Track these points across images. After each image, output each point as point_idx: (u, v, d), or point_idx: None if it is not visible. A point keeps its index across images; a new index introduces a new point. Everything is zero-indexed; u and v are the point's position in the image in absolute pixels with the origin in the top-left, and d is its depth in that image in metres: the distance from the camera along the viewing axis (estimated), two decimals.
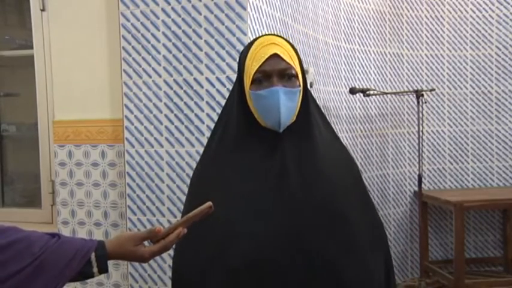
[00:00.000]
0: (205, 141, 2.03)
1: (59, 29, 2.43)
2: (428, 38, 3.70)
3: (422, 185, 3.25)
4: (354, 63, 3.36)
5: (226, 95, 1.87)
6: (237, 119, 1.24)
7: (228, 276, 1.15)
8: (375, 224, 1.30)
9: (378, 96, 3.43)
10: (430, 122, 3.69)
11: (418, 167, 3.12)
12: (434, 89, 3.36)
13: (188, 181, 1.73)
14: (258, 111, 1.21)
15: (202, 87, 2.11)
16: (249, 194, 1.19)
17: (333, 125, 1.42)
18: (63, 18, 2.42)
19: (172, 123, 2.17)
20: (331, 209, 1.19)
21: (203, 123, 2.12)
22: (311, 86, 2.62)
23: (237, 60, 1.35)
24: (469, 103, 3.74)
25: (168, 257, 2.14)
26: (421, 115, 3.10)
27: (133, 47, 2.21)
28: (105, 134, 2.36)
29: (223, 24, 2.06)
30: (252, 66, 1.20)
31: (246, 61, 1.23)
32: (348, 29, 3.31)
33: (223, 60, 2.07)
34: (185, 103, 2.14)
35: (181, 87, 2.15)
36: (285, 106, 1.18)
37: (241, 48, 2.01)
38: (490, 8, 3.71)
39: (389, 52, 3.58)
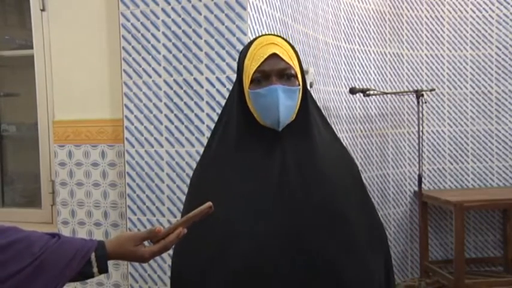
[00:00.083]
0: (205, 141, 2.03)
1: (59, 29, 2.43)
2: (428, 38, 3.70)
3: (422, 185, 3.25)
4: (354, 63, 3.36)
5: (226, 95, 1.87)
6: (237, 118, 1.24)
7: (228, 276, 1.15)
8: (374, 224, 1.30)
9: (378, 96, 3.43)
10: (430, 122, 3.69)
11: (418, 167, 3.12)
12: (434, 89, 3.36)
13: (188, 181, 1.73)
14: (257, 110, 1.21)
15: (202, 87, 2.11)
16: (249, 194, 1.19)
17: (333, 125, 1.42)
18: (63, 18, 2.42)
19: (172, 123, 2.17)
20: (331, 209, 1.19)
21: (203, 123, 2.12)
22: (311, 86, 2.62)
23: (237, 60, 1.35)
24: (469, 103, 3.74)
25: (168, 257, 2.14)
26: (421, 115, 3.10)
27: (133, 47, 2.21)
28: (105, 134, 2.36)
29: (223, 24, 2.06)
30: (251, 66, 1.20)
31: (245, 61, 1.23)
32: (348, 29, 3.31)
33: (223, 60, 2.07)
34: (185, 103, 2.14)
35: (181, 87, 2.15)
36: (284, 104, 1.18)
37: (241, 48, 2.00)
38: (490, 8, 3.71)
39: (389, 52, 3.58)
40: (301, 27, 2.68)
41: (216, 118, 1.69)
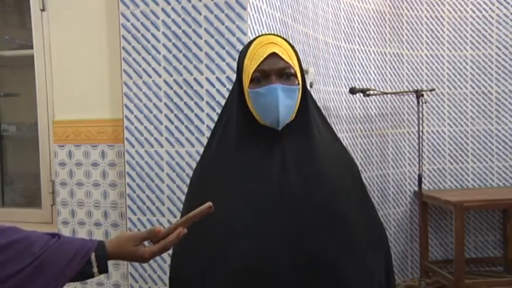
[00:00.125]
0: (205, 141, 2.03)
1: (59, 29, 2.43)
2: (428, 38, 3.70)
3: (422, 185, 3.25)
4: (354, 63, 3.36)
5: (226, 95, 1.87)
6: (237, 118, 1.24)
7: (227, 276, 1.15)
8: (374, 224, 1.30)
9: (377, 96, 3.43)
10: (430, 122, 3.69)
11: (418, 167, 3.12)
12: (434, 89, 3.36)
13: (188, 181, 1.73)
14: (257, 110, 1.21)
15: (202, 87, 2.11)
16: (249, 193, 1.19)
17: (333, 125, 1.42)
18: (63, 18, 2.42)
19: (172, 123, 2.17)
20: (331, 209, 1.19)
21: (203, 123, 2.12)
22: (311, 86, 2.62)
23: (237, 59, 1.35)
24: (469, 103, 3.74)
25: (168, 257, 2.13)
26: (421, 115, 3.10)
27: (133, 47, 2.21)
28: (105, 134, 2.36)
29: (223, 24, 2.06)
30: (251, 65, 1.20)
31: (245, 60, 1.23)
32: (348, 29, 3.31)
33: (223, 60, 2.07)
34: (185, 103, 2.14)
35: (181, 87, 2.15)
36: (284, 103, 1.18)
37: (241, 48, 2.00)
38: (490, 8, 3.71)
39: (389, 52, 3.58)
40: (301, 27, 2.68)
41: (216, 118, 1.68)
